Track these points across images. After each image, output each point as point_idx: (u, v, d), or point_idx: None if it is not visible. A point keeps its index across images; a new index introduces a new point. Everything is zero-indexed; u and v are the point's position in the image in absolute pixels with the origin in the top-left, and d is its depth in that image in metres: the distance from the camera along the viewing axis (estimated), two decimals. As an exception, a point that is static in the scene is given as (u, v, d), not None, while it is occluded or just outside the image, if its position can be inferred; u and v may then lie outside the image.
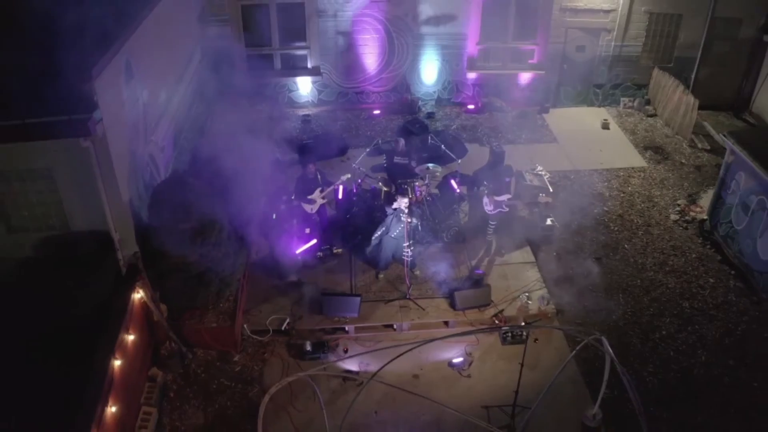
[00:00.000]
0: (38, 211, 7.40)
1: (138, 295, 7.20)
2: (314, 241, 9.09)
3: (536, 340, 8.48)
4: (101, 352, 6.36)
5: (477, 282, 8.95)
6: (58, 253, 7.42)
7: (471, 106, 14.37)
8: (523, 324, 8.53)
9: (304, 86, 14.32)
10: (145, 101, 8.50)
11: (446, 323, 8.63)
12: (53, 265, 7.19)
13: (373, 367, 7.83)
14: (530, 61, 14.42)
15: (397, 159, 10.21)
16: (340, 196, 9.73)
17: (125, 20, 8.00)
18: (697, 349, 8.75)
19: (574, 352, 7.16)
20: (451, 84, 14.55)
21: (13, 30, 7.26)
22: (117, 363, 6.44)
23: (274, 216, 8.79)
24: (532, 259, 9.78)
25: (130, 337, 6.89)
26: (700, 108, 14.70)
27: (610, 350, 6.58)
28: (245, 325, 8.39)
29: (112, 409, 6.21)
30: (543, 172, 11.09)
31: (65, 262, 7.22)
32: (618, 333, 8.81)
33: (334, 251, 9.44)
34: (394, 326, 8.59)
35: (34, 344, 6.55)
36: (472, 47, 14.12)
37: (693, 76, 14.62)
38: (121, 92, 7.50)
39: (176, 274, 7.64)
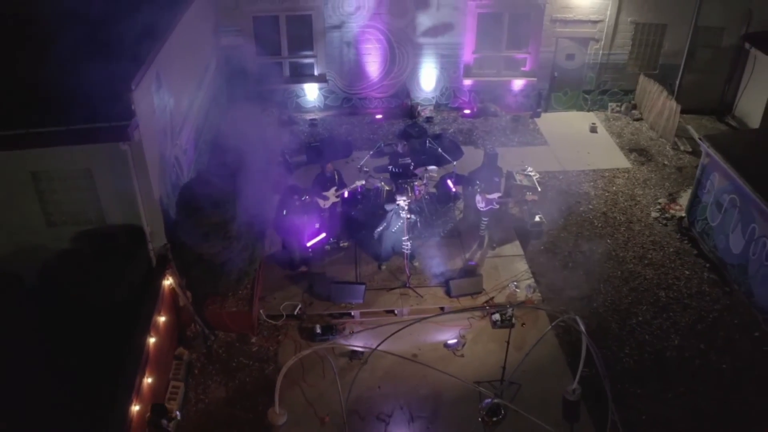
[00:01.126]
0: (77, 206, 8.26)
1: (167, 282, 8.10)
2: (323, 235, 10.00)
3: (523, 324, 9.38)
4: (139, 330, 7.26)
5: (470, 272, 9.87)
6: (95, 245, 8.31)
7: (467, 111, 15.25)
8: (507, 305, 9.41)
9: (311, 92, 15.18)
10: (171, 108, 9.39)
11: (442, 309, 9.54)
12: (92, 255, 8.07)
13: (374, 346, 8.75)
14: (523, 69, 15.31)
15: (400, 160, 11.10)
16: (346, 195, 10.62)
17: (154, 35, 8.88)
18: (670, 333, 9.64)
19: (550, 327, 8.06)
20: (449, 90, 15.40)
21: (58, 46, 8.14)
22: (152, 340, 7.34)
23: (284, 212, 9.64)
24: (521, 252, 10.69)
25: (162, 319, 7.78)
26: (685, 112, 15.59)
27: (583, 328, 7.47)
28: (261, 310, 9.32)
29: (148, 380, 7.11)
30: (532, 173, 11.95)
31: (103, 252, 8.11)
32: (598, 319, 9.70)
33: (341, 244, 10.37)
34: (395, 311, 9.51)
35: (80, 324, 7.44)
36: (468, 56, 14.99)
37: (677, 82, 15.40)
38: (152, 101, 8.39)
39: (200, 264, 8.54)
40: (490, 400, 7.76)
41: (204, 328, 8.71)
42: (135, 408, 6.58)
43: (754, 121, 15.11)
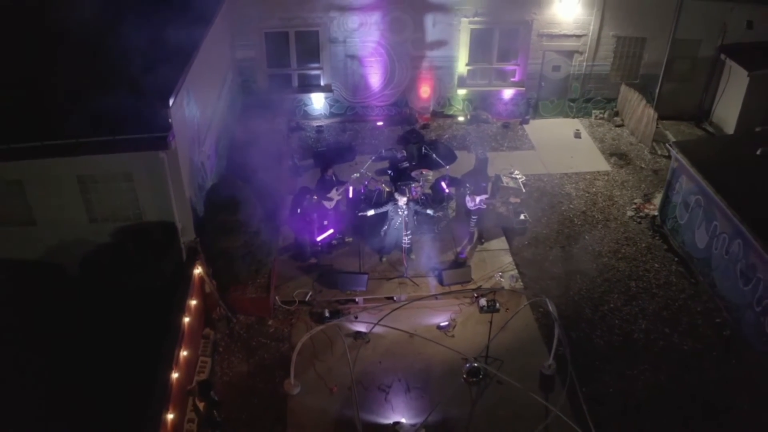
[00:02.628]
0: (117, 205, 9.44)
1: (197, 271, 9.33)
2: (331, 231, 11.24)
3: (507, 309, 10.60)
4: (175, 311, 8.48)
5: (461, 264, 11.10)
6: (133, 239, 9.53)
7: (460, 119, 16.41)
8: (489, 288, 10.65)
9: (318, 101, 16.26)
10: (198, 118, 10.64)
11: (435, 296, 10.76)
12: (132, 248, 9.30)
13: (376, 328, 10.01)
14: (512, 79, 16.43)
15: (399, 165, 12.33)
16: (350, 195, 11.84)
17: (184, 54, 10.13)
18: (638, 319, 10.83)
19: (523, 306, 9.36)
20: (444, 99, 16.50)
21: (102, 65, 9.40)
22: (186, 320, 8.56)
23: (298, 210, 10.87)
24: (507, 246, 11.91)
25: (193, 302, 9.01)
26: (665, 118, 16.78)
27: (554, 309, 8.72)
28: (276, 297, 10.56)
29: (184, 353, 8.33)
30: (519, 176, 13.19)
31: (141, 245, 9.34)
32: (574, 305, 10.91)
33: (346, 239, 11.60)
34: (394, 298, 10.74)
35: (125, 308, 8.64)
36: (461, 68, 16.10)
37: (657, 91, 16.54)
38: (184, 113, 9.62)
39: (224, 256, 9.78)
40: (469, 364, 9.07)
41: (227, 312, 9.97)
42: (174, 375, 7.80)
43: (730, 127, 16.13)
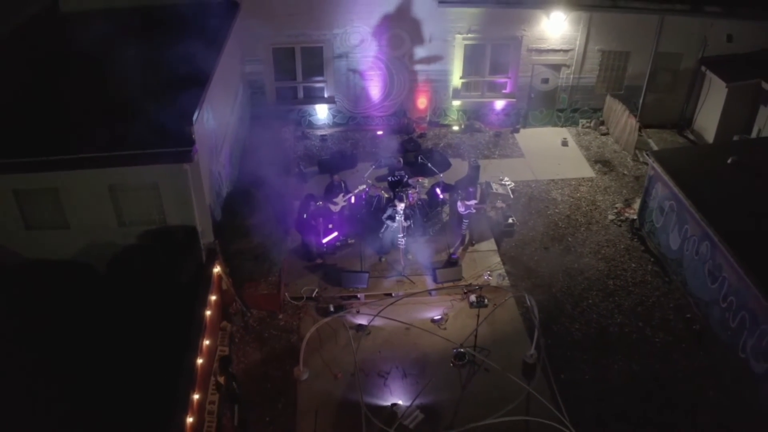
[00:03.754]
0: (144, 210, 10.47)
1: (216, 269, 10.41)
2: (335, 233, 12.33)
3: (495, 304, 11.67)
4: (198, 305, 9.56)
5: (453, 263, 12.19)
6: (158, 241, 10.60)
7: (455, 128, 17.45)
8: (477, 286, 11.71)
9: (322, 112, 17.28)
10: (215, 131, 11.73)
11: (429, 292, 11.84)
12: (158, 249, 10.37)
13: (376, 321, 11.09)
14: (504, 91, 17.46)
15: (397, 172, 13.41)
16: (353, 201, 12.93)
17: (203, 74, 11.22)
18: (614, 314, 11.86)
19: (504, 300, 10.42)
20: (440, 110, 17.50)
21: (133, 86, 10.48)
22: (207, 313, 9.64)
23: (305, 215, 11.97)
24: (495, 248, 12.98)
25: (213, 297, 10.09)
26: (649, 127, 17.82)
27: (534, 304, 9.80)
28: (286, 293, 11.65)
29: (206, 342, 9.41)
30: (508, 182, 14.25)
31: (165, 246, 10.40)
32: (555, 301, 11.97)
33: (349, 241, 12.69)
34: (392, 294, 11.81)
35: (152, 303, 9.70)
36: (456, 80, 17.11)
37: (641, 101, 17.51)
38: (204, 127, 10.70)
39: (240, 255, 10.87)
40: (456, 349, 10.19)
41: (242, 306, 11.07)
42: (199, 361, 8.88)
43: (710, 135, 17.08)
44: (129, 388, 8.63)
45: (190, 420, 8.13)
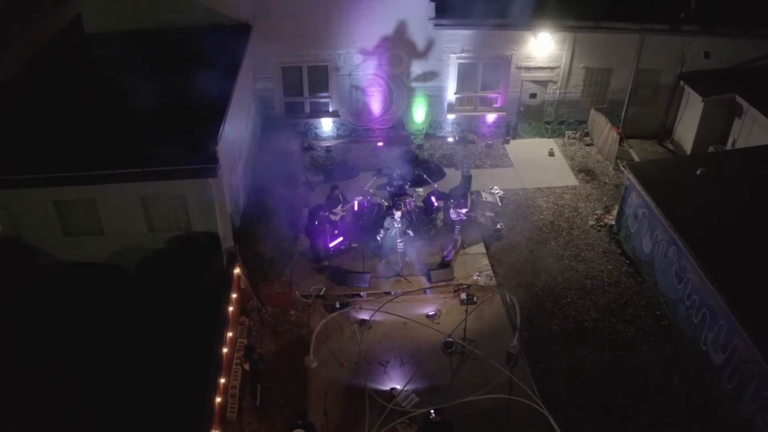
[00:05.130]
0: (172, 219, 11.77)
1: (236, 271, 11.78)
2: (340, 238, 13.69)
3: (483, 301, 13.02)
4: (222, 302, 10.92)
5: (446, 265, 13.56)
6: (184, 246, 11.93)
7: (450, 139, 18.70)
8: (465, 284, 13.03)
9: (327, 125, 18.49)
10: (233, 146, 13.08)
11: (424, 291, 13.20)
12: (184, 253, 11.71)
13: (376, 316, 12.45)
14: (495, 105, 18.69)
15: (395, 182, 14.76)
16: (356, 209, 14.28)
17: (224, 94, 12.54)
18: (590, 310, 13.15)
19: (488, 296, 11.82)
20: (435, 123, 18.69)
21: (162, 109, 11.82)
22: (230, 309, 11.01)
23: (316, 222, 13.32)
24: (484, 251, 14.31)
25: (234, 296, 11.46)
26: (631, 137, 19.03)
27: (514, 300, 11.16)
28: (297, 292, 13.00)
29: (229, 334, 10.78)
30: (497, 191, 15.58)
31: (190, 251, 11.74)
32: (537, 299, 13.28)
33: (352, 245, 14.03)
34: (391, 292, 13.15)
35: (181, 301, 11.02)
36: (450, 95, 18.33)
37: (623, 114, 18.74)
38: (225, 144, 12.04)
39: (256, 258, 12.24)
40: (445, 339, 11.56)
41: (259, 303, 12.45)
42: (225, 350, 10.26)
43: (688, 145, 18.26)
44: (166, 374, 9.80)
45: (218, 400, 9.51)
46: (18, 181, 11.00)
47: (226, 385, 10.13)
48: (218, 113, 11.97)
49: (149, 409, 9.27)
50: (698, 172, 13.84)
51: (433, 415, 9.46)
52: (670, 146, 19.13)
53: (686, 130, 18.51)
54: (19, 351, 10.26)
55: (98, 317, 10.92)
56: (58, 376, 9.87)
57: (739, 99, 16.98)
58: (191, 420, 9.09)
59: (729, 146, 17.59)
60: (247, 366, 10.52)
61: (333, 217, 13.80)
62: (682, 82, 18.42)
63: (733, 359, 10.81)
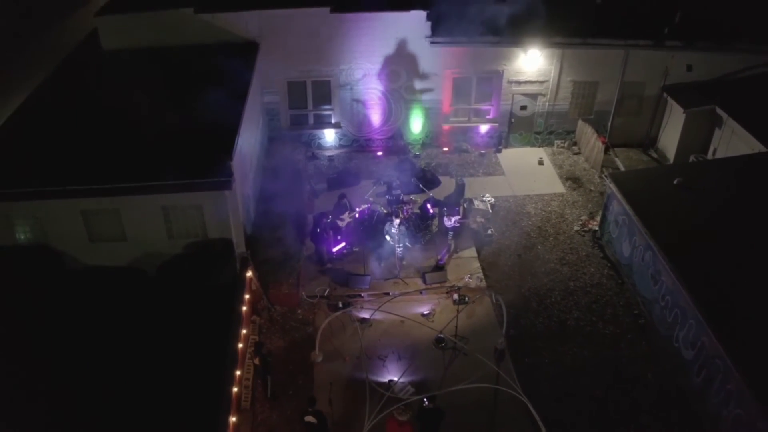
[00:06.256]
0: (189, 226, 12.87)
1: (248, 273, 12.91)
2: (343, 243, 14.83)
3: (474, 301, 14.14)
4: (237, 302, 12.06)
5: (440, 268, 14.68)
6: (200, 251, 13.05)
7: (445, 149, 19.74)
8: (458, 286, 14.10)
9: (329, 135, 19.48)
10: (245, 159, 14.19)
11: (420, 292, 14.32)
12: (200, 258, 12.83)
13: (376, 315, 13.58)
14: (488, 117, 19.67)
15: (394, 191, 15.88)
16: (357, 215, 15.41)
17: (236, 111, 13.65)
18: (572, 310, 14.18)
19: (477, 296, 13.06)
20: (432, 133, 19.69)
21: (182, 128, 12.93)
22: (244, 308, 12.15)
23: (318, 229, 14.45)
24: (476, 255, 15.41)
25: (246, 296, 12.59)
26: (617, 146, 19.99)
27: (500, 300, 12.30)
28: (303, 292, 14.11)
29: (243, 331, 11.91)
30: (488, 199, 16.69)
31: (206, 255, 12.86)
32: (523, 299, 14.34)
33: (354, 249, 15.15)
34: (390, 293, 14.25)
35: (197, 302, 12.14)
36: (446, 107, 19.31)
37: (609, 124, 19.67)
38: (238, 158, 13.15)
39: (266, 262, 13.37)
40: (437, 335, 12.71)
41: (268, 303, 13.59)
42: (239, 345, 11.40)
43: (671, 154, 19.13)
44: (188, 367, 10.77)
45: (235, 390, 10.66)
46: (49, 193, 12.08)
47: (240, 377, 11.27)
48: (232, 131, 13.08)
49: (174, 399, 10.27)
50: (675, 182, 14.74)
51: (426, 402, 10.57)
52: (655, 154, 20.01)
53: (669, 139, 19.42)
54: (52, 347, 11.22)
55: (123, 316, 11.88)
56: (90, 369, 10.88)
57: (719, 111, 17.83)
58: (211, 408, 10.19)
59: (710, 155, 18.45)
60: (257, 360, 11.65)
61: (340, 223, 14.90)
62: (665, 94, 19.28)
63: (701, 355, 11.70)
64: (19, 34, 19.04)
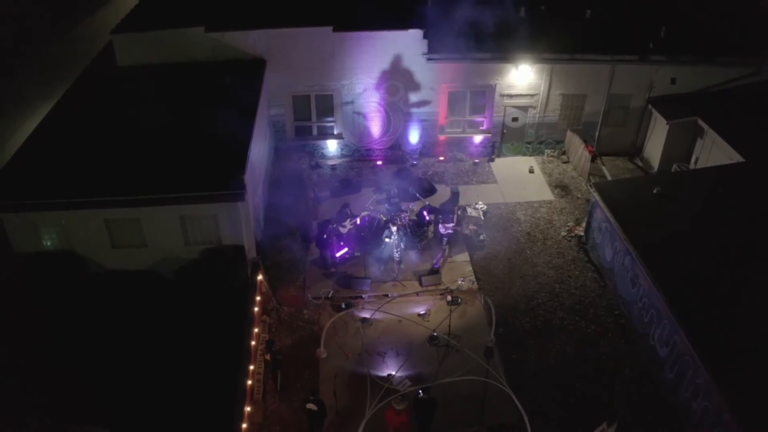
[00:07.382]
0: (205, 234, 13.94)
1: (259, 277, 14.06)
2: (346, 249, 15.97)
3: (466, 302, 15.29)
4: (249, 304, 13.20)
5: (435, 271, 15.83)
6: (214, 256, 14.15)
7: (441, 158, 20.78)
8: (451, 288, 15.22)
9: (332, 146, 20.54)
10: (255, 171, 15.31)
11: (417, 293, 15.47)
12: (215, 263, 13.96)
13: (376, 315, 14.72)
14: (481, 128, 20.76)
15: (392, 199, 17.02)
16: (358, 222, 16.56)
17: (247, 127, 14.74)
18: (557, 310, 15.25)
19: (468, 297, 14.12)
20: (428, 143, 20.73)
21: (198, 144, 14.04)
22: (255, 309, 13.30)
23: (323, 236, 15.61)
24: (468, 259, 16.53)
25: (258, 298, 13.74)
26: (604, 155, 21.01)
27: (489, 301, 13.45)
28: (309, 294, 15.25)
29: (255, 330, 13.06)
30: (481, 206, 17.82)
31: (221, 261, 13.97)
32: (512, 301, 15.44)
33: (356, 254, 16.29)
34: (389, 295, 15.39)
35: (213, 303, 13.24)
36: (442, 119, 20.37)
37: (597, 134, 20.76)
38: (249, 170, 14.25)
39: (275, 266, 14.51)
40: (431, 333, 13.82)
41: (277, 304, 14.74)
42: (252, 343, 12.55)
43: (656, 162, 20.09)
44: (206, 362, 11.80)
45: (249, 383, 11.82)
46: (75, 204, 13.12)
47: (253, 372, 12.43)
48: (244, 145, 14.19)
49: (194, 391, 11.33)
50: (654, 192, 15.73)
51: (421, 394, 11.73)
52: (640, 163, 20.99)
53: (654, 148, 20.42)
54: (79, 345, 12.22)
55: (144, 317, 12.87)
56: (116, 364, 11.91)
57: (701, 122, 18.81)
58: (228, 399, 11.29)
59: (692, 164, 19.42)
60: (268, 357, 12.79)
61: (342, 230, 16.04)
62: (650, 106, 20.28)
63: (674, 352, 12.70)
64: (38, 43, 19.89)
